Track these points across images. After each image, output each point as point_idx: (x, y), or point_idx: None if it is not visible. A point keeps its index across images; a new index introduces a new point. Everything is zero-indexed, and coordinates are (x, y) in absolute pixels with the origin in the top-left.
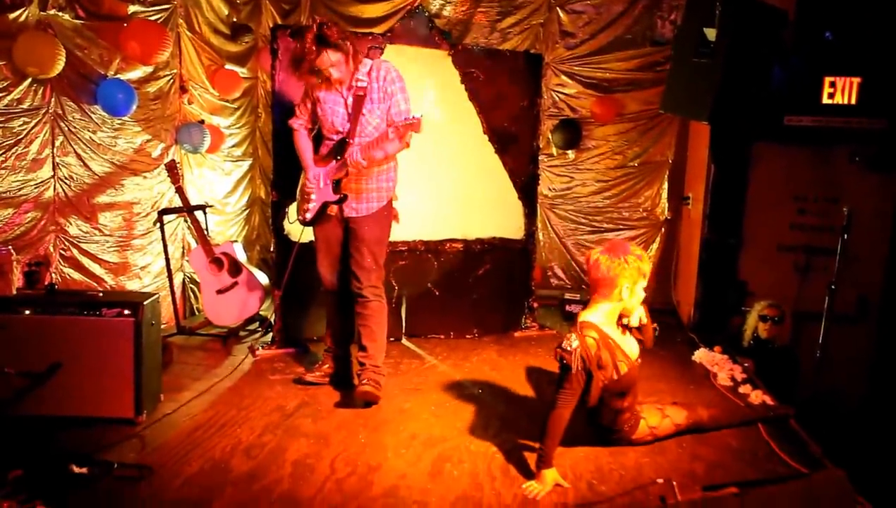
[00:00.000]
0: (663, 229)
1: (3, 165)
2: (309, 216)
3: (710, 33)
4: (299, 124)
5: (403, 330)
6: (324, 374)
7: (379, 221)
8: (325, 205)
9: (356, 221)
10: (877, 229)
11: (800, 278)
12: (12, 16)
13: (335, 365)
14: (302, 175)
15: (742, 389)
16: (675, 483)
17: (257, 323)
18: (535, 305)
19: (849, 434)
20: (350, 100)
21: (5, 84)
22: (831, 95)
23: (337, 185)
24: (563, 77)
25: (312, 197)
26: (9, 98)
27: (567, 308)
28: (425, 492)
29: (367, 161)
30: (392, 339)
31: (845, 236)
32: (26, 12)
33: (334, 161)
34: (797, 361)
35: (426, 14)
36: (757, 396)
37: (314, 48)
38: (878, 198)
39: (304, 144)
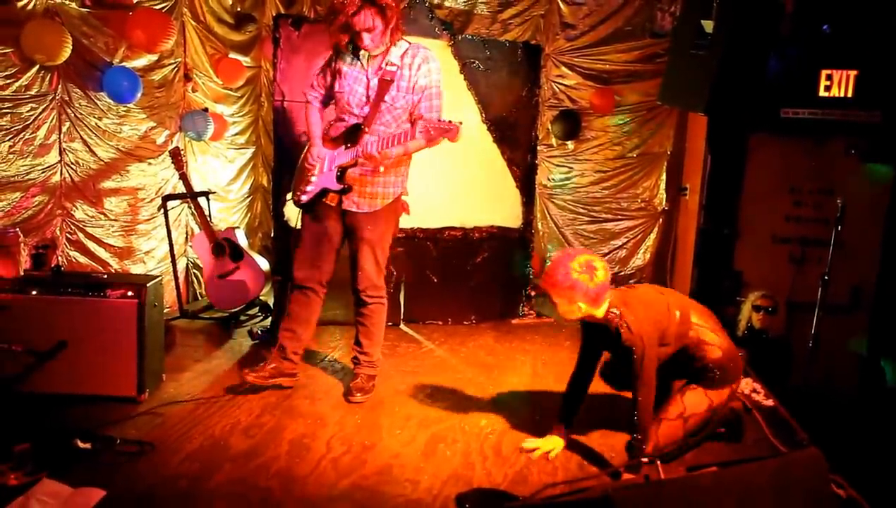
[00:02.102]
0: (661, 219)
1: (12, 150)
2: (304, 198)
3: (708, 25)
4: (314, 97)
5: (402, 316)
6: (269, 375)
7: (382, 220)
8: (323, 192)
9: (356, 218)
10: (870, 221)
11: (794, 269)
12: (20, 4)
13: (281, 367)
14: (305, 150)
15: None
16: (659, 462)
17: (257, 308)
18: (533, 293)
19: (840, 423)
20: (374, 82)
21: (13, 71)
22: (828, 88)
23: (342, 174)
24: (563, 68)
25: (312, 178)
26: (17, 84)
27: None
28: (418, 471)
29: (383, 157)
30: (390, 324)
31: (839, 228)
32: (34, 0)
33: (344, 146)
34: (791, 351)
35: (427, 5)
36: (747, 384)
37: (358, 1)
38: (873, 190)
39: (314, 118)
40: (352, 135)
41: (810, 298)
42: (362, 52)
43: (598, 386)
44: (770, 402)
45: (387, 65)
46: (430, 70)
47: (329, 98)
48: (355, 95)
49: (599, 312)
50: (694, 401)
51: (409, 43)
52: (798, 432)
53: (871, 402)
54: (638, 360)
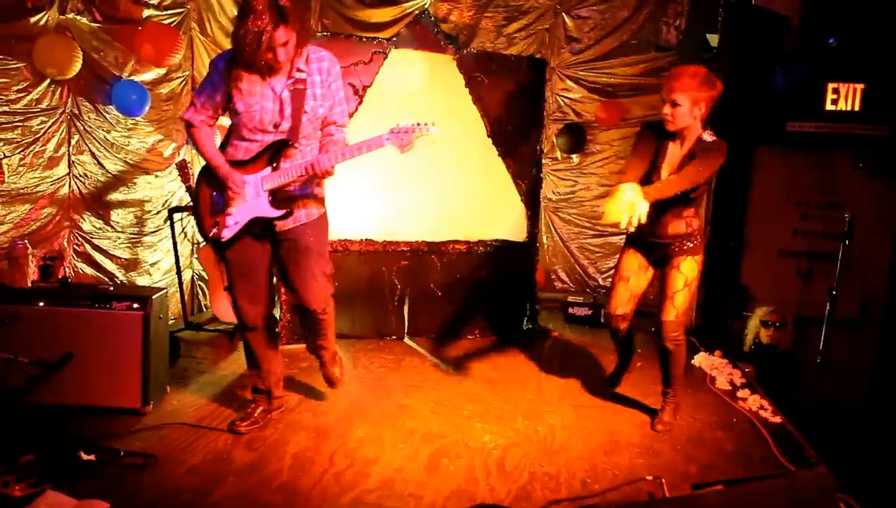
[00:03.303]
0: None
1: (22, 162)
2: (228, 233)
3: (713, 39)
4: (201, 120)
5: (406, 329)
6: (261, 420)
7: (321, 228)
8: (252, 221)
9: (296, 231)
10: (879, 235)
11: (802, 283)
12: (33, 19)
13: (269, 405)
14: (200, 180)
15: (740, 394)
16: (663, 480)
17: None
18: (538, 307)
19: (849, 440)
20: (285, 95)
21: (25, 84)
22: (835, 101)
23: (275, 197)
24: (569, 81)
25: (231, 210)
26: (28, 98)
27: (570, 311)
28: (421, 486)
29: (334, 169)
30: (394, 338)
31: (847, 242)
32: (46, 16)
33: (270, 168)
34: (798, 366)
35: (432, 19)
36: (755, 401)
37: (269, 20)
38: (882, 205)
39: (210, 143)
40: (276, 154)
41: (818, 313)
42: (261, 66)
43: (603, 405)
44: (777, 419)
45: (296, 72)
46: (338, 73)
47: (216, 119)
48: (267, 112)
49: (698, 124)
50: (687, 267)
51: (307, 46)
52: (806, 450)
53: (880, 419)
54: (705, 163)
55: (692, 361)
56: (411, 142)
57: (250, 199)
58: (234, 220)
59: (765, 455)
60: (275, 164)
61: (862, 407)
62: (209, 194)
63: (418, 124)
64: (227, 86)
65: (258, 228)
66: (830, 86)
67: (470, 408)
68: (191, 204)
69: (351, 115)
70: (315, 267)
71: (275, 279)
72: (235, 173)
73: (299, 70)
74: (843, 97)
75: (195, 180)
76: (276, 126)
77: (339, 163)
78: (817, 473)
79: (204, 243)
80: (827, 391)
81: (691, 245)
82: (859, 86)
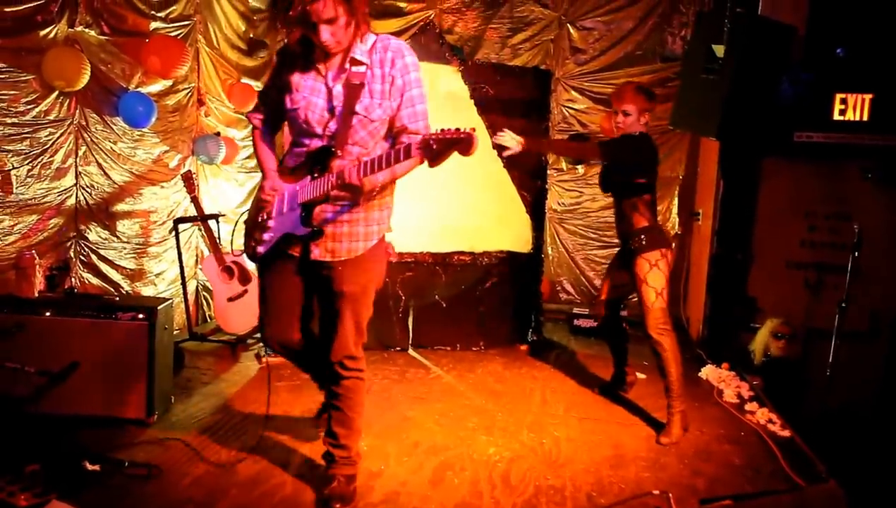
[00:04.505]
0: (673, 244)
1: (30, 174)
2: (262, 250)
3: (719, 49)
4: (258, 120)
5: (410, 341)
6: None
7: (368, 268)
8: (286, 238)
9: (332, 269)
10: (888, 246)
11: (810, 295)
12: (42, 32)
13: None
14: (257, 189)
15: (748, 407)
16: (670, 494)
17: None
18: (543, 319)
19: (860, 453)
20: (337, 90)
21: (34, 96)
22: (842, 112)
23: (308, 213)
24: (574, 92)
25: (270, 223)
26: (37, 109)
27: (575, 322)
28: (425, 499)
29: (368, 186)
30: (399, 349)
31: (856, 253)
32: (55, 29)
33: (309, 178)
34: (807, 379)
35: (437, 30)
36: (763, 414)
37: None
38: (891, 215)
39: (263, 146)
40: (318, 162)
41: (827, 325)
42: (317, 53)
43: (609, 418)
44: (786, 433)
45: (351, 65)
46: (408, 65)
47: (279, 119)
48: (315, 111)
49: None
50: (654, 277)
51: (377, 35)
52: (816, 464)
53: (891, 432)
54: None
55: (699, 374)
56: (443, 153)
57: (286, 212)
58: (269, 235)
59: (774, 470)
60: (315, 174)
61: (872, 420)
62: (255, 206)
63: (458, 130)
64: (281, 79)
65: (295, 249)
66: (838, 96)
67: (475, 421)
68: (195, 214)
69: None
70: (348, 315)
71: None
72: (272, 181)
73: (356, 62)
74: (852, 107)
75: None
76: (325, 128)
77: (372, 181)
78: (828, 488)
79: (209, 253)
80: (837, 404)
81: (643, 243)
82: (868, 97)
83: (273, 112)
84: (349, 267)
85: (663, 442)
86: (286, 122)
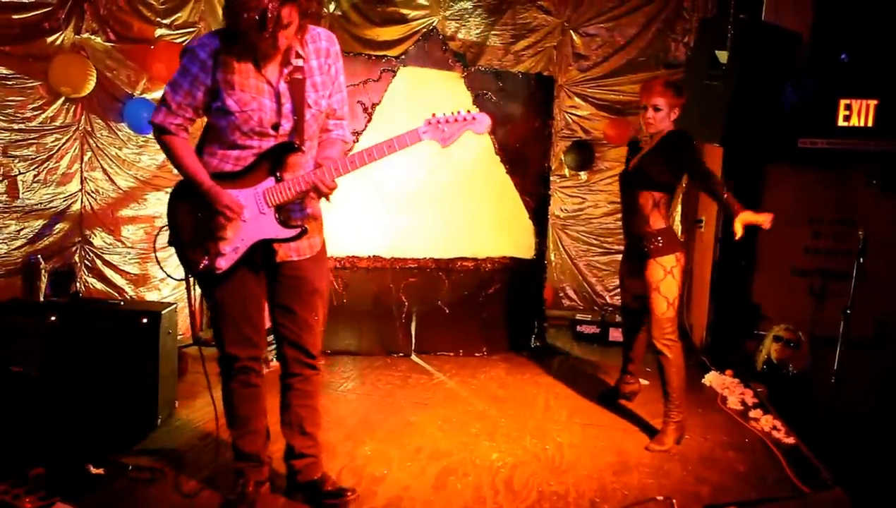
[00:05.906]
0: None
1: (36, 179)
2: (223, 263)
3: (722, 55)
4: (177, 125)
5: (413, 346)
6: (253, 493)
7: (325, 261)
8: (261, 245)
9: (300, 266)
10: (894, 253)
11: (815, 302)
12: (49, 39)
13: (260, 473)
14: (176, 204)
15: (752, 413)
16: (674, 500)
17: (270, 336)
18: (546, 325)
19: (865, 461)
20: (282, 87)
21: (41, 103)
22: (847, 118)
23: (287, 215)
24: (577, 99)
25: (226, 234)
26: (43, 116)
27: (578, 329)
28: (428, 504)
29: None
30: (401, 355)
31: (861, 260)
32: (62, 36)
33: (273, 179)
34: (812, 386)
35: (441, 37)
36: (767, 421)
37: None
38: None
39: (191, 154)
40: (277, 161)
41: (832, 332)
42: (253, 51)
43: (612, 424)
44: (791, 440)
45: (293, 59)
46: (338, 53)
47: (192, 123)
48: (266, 110)
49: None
50: (667, 286)
51: (308, 27)
52: (821, 471)
53: None
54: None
55: (703, 381)
56: (454, 134)
57: (251, 219)
58: (233, 246)
59: (778, 477)
60: (279, 174)
61: (878, 427)
62: (191, 218)
63: (460, 112)
64: (213, 80)
65: (258, 257)
66: (843, 102)
67: (478, 426)
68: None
69: (360, 133)
70: (320, 310)
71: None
72: (227, 193)
73: (297, 55)
74: (856, 113)
75: (168, 203)
76: (275, 127)
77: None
78: (833, 495)
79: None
80: (842, 411)
81: (660, 244)
82: (872, 102)
83: (192, 116)
84: (313, 264)
85: (653, 449)
86: (211, 125)
